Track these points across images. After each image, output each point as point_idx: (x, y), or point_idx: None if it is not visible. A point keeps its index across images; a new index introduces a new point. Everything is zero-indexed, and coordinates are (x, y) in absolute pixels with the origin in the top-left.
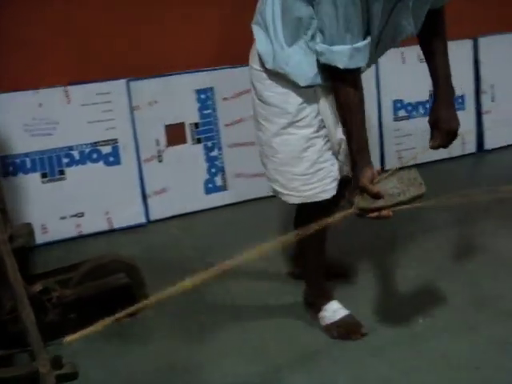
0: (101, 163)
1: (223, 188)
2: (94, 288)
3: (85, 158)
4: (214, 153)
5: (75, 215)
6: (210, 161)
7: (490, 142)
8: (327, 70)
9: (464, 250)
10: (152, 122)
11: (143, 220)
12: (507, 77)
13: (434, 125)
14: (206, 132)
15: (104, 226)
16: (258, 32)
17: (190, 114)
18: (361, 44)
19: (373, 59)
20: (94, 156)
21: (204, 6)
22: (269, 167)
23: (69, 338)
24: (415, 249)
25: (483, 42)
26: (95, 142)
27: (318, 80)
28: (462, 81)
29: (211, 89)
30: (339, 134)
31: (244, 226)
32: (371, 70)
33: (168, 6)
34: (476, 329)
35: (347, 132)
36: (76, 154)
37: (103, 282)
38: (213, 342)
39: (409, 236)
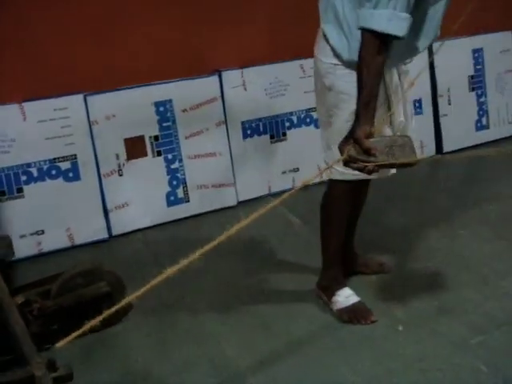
0: (60, 179)
1: (185, 200)
2: (75, 298)
3: (43, 175)
4: (175, 165)
5: (35, 233)
6: (171, 173)
7: (448, 145)
8: (363, 36)
9: (425, 252)
10: (111, 136)
11: (105, 235)
12: (462, 80)
13: None
14: (166, 144)
15: (65, 243)
16: (329, 29)
17: (149, 127)
18: (402, 14)
19: (412, 48)
20: (53, 172)
21: (160, 18)
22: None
23: (59, 344)
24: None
25: (438, 46)
26: (54, 159)
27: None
28: (418, 85)
29: (170, 101)
30: (401, 115)
31: (207, 238)
32: None
33: (124, 18)
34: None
35: (361, 84)
36: (34, 170)
37: (84, 292)
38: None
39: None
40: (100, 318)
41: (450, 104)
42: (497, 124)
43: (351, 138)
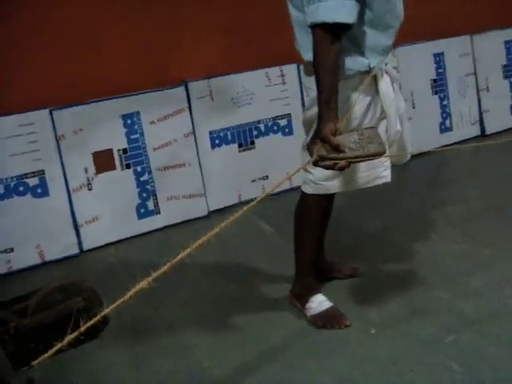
0: (28, 195)
1: (156, 212)
2: (53, 314)
3: (11, 192)
4: (145, 177)
5: (4, 251)
6: (141, 185)
7: (413, 148)
8: (314, 34)
9: (396, 255)
10: (79, 150)
11: (76, 250)
12: (425, 84)
13: None
14: (134, 157)
15: (36, 260)
16: (303, 44)
17: (117, 140)
18: (348, 2)
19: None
20: (21, 189)
21: (126, 31)
22: None
23: (35, 362)
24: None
25: (401, 50)
26: (21, 175)
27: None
28: None
29: (137, 113)
30: (398, 126)
31: (179, 249)
32: None
33: (89, 32)
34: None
35: (319, 82)
36: (1, 187)
37: (61, 308)
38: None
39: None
40: (76, 333)
41: (414, 108)
42: (460, 126)
43: (318, 137)
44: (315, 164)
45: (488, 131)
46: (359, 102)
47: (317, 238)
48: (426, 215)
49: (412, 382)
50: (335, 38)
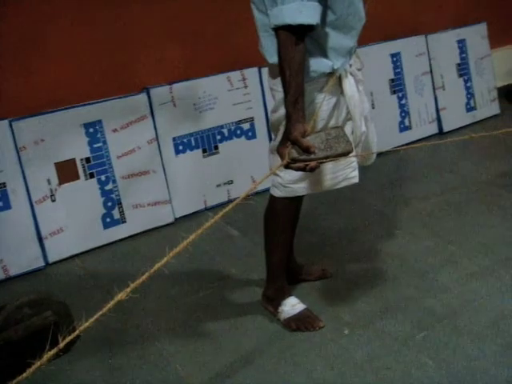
0: None
1: (122, 221)
2: (20, 330)
3: None
4: (109, 186)
5: None
6: (106, 194)
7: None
8: (278, 36)
9: (364, 254)
10: (41, 161)
11: (41, 263)
12: (383, 84)
13: None
14: (98, 166)
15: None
16: (267, 47)
17: (79, 150)
18: (310, 3)
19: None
20: None
21: (84, 38)
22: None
23: (14, 382)
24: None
25: (359, 52)
26: None
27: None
28: None
29: (99, 121)
30: (363, 126)
31: (146, 256)
32: None
33: (46, 40)
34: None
35: (285, 84)
36: None
37: (29, 323)
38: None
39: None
40: (56, 349)
41: (373, 108)
42: (418, 124)
43: (288, 140)
44: (287, 167)
45: (445, 129)
46: (325, 104)
47: (287, 241)
48: (389, 213)
49: (388, 380)
50: (299, 39)
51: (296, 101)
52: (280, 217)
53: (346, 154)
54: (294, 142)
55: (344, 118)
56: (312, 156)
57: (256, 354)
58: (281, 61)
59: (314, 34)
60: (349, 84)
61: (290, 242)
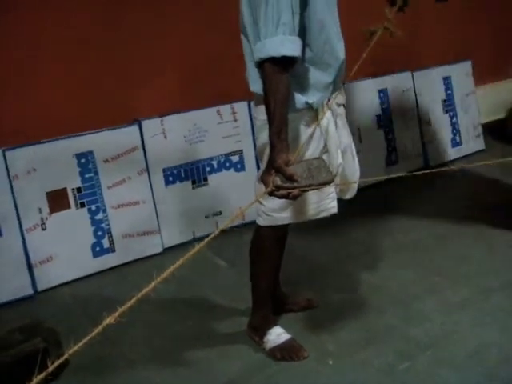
0: None
1: (111, 250)
2: (11, 357)
3: None
4: (99, 215)
5: None
6: (96, 224)
7: (360, 182)
8: (262, 69)
9: (349, 285)
10: (32, 190)
11: (30, 291)
12: (370, 118)
13: None
14: (89, 195)
15: None
16: (253, 82)
17: (71, 179)
18: (291, 37)
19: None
20: None
21: (76, 69)
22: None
23: None
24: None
25: (347, 87)
26: None
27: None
28: None
29: (91, 152)
30: (340, 159)
31: (135, 285)
32: None
33: (39, 70)
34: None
35: (270, 115)
36: None
37: (19, 350)
38: None
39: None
40: (44, 373)
41: (361, 142)
42: (405, 158)
43: (272, 168)
44: (271, 194)
45: (431, 163)
46: (301, 134)
47: (273, 270)
48: (374, 244)
49: None
50: (283, 71)
51: (280, 131)
52: (264, 245)
53: (327, 183)
54: (277, 169)
55: (321, 150)
56: (295, 184)
57: (240, 383)
58: (265, 92)
59: (293, 69)
60: (325, 118)
61: (275, 272)
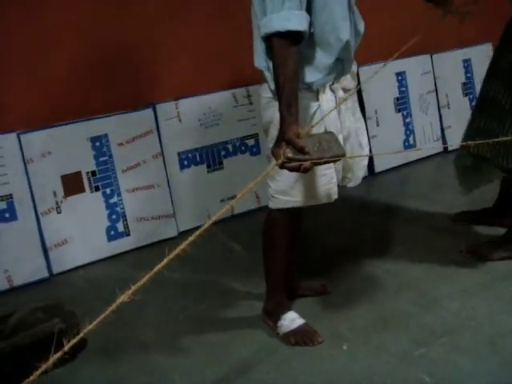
0: None
1: (126, 234)
2: (30, 337)
3: None
4: (114, 199)
5: None
6: (110, 207)
7: (378, 165)
8: (270, 43)
9: (364, 271)
10: (47, 173)
11: (46, 274)
12: (388, 102)
13: None
14: (103, 179)
15: (4, 285)
16: (259, 59)
17: (85, 163)
18: (297, 12)
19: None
20: None
21: (91, 53)
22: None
23: None
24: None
25: (363, 70)
26: None
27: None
28: None
29: (105, 135)
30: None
31: (150, 269)
32: None
33: (55, 53)
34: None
35: (280, 87)
36: None
37: (36, 330)
38: None
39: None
40: (61, 352)
41: (378, 125)
42: (423, 142)
43: (282, 140)
44: (282, 167)
45: (450, 147)
46: (302, 113)
47: (284, 254)
48: (391, 231)
49: None
50: (291, 45)
51: (290, 105)
52: (274, 229)
53: (339, 156)
54: (288, 141)
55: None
56: (307, 156)
57: (255, 367)
58: (275, 67)
59: (301, 44)
60: (325, 100)
61: (288, 257)
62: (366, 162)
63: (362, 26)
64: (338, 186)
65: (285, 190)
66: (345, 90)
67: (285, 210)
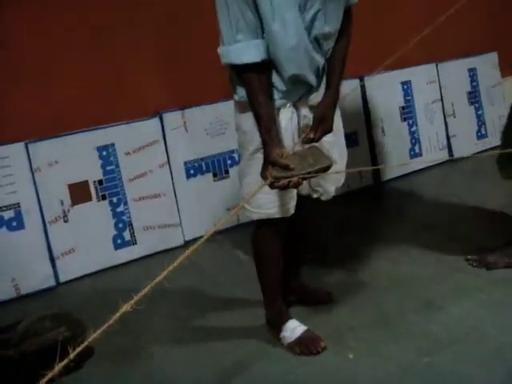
0: (4, 229)
1: (132, 242)
2: (36, 345)
3: None
4: (120, 208)
5: None
6: (117, 216)
7: (385, 174)
8: (234, 70)
9: (370, 280)
10: (54, 182)
11: (53, 283)
12: (393, 111)
13: (312, 118)
14: (110, 188)
15: (11, 294)
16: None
17: (92, 172)
18: (252, 42)
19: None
20: None
21: (99, 62)
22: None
23: None
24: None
25: (369, 80)
26: None
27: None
28: (354, 119)
29: (112, 145)
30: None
31: (155, 278)
32: None
33: (62, 64)
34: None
35: (257, 116)
36: None
37: (43, 338)
38: None
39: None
40: (67, 360)
41: (384, 134)
42: (429, 151)
43: (268, 163)
44: (271, 186)
45: (456, 156)
46: None
47: (276, 263)
48: (398, 240)
49: None
50: (259, 73)
51: (269, 129)
52: (263, 239)
53: (327, 168)
54: (273, 163)
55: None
56: (293, 172)
57: (260, 376)
58: (248, 96)
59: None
60: (284, 118)
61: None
62: (339, 176)
63: (331, 27)
64: (312, 198)
65: (253, 205)
66: (311, 108)
67: (266, 221)
